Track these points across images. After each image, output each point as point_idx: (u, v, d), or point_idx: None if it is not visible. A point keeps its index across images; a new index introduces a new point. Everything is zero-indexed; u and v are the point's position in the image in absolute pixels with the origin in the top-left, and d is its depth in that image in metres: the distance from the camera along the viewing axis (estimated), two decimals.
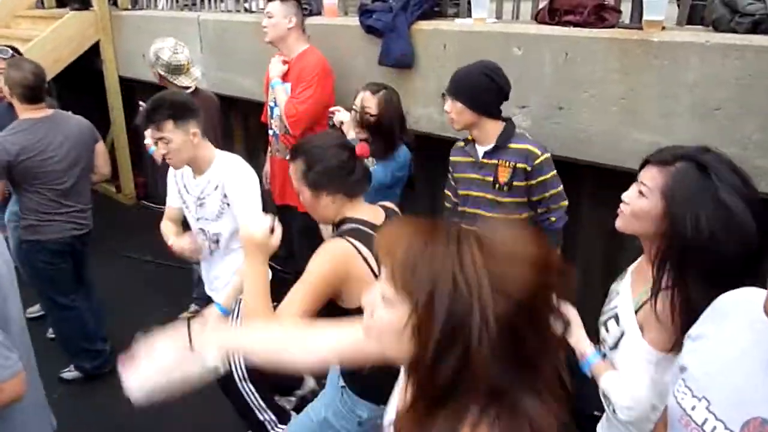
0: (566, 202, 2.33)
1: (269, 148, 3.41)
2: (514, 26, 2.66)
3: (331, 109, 2.77)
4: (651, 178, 1.35)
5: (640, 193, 1.37)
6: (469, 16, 2.86)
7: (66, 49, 4.90)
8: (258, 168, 2.82)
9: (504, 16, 2.92)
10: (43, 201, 2.89)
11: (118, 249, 4.71)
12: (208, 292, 2.54)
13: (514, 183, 2.23)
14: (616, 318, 1.43)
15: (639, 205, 1.36)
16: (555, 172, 2.26)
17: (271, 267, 3.66)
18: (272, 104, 3.18)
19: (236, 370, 2.40)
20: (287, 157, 3.09)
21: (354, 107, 2.56)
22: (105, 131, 5.64)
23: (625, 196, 1.43)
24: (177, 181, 2.48)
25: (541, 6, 2.62)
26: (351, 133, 2.55)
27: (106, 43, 5.15)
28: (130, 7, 5.20)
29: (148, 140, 3.26)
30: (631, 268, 1.52)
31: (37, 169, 2.83)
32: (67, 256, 3.07)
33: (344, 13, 3.49)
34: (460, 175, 2.39)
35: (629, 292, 1.44)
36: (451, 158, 2.43)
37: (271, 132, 3.26)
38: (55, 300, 3.07)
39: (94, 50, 5.18)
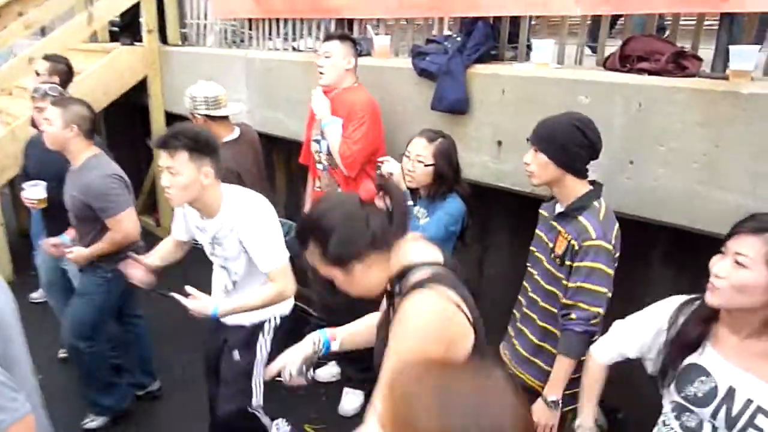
0: (600, 311, 1.88)
1: (312, 184, 3.28)
2: (580, 72, 2.48)
3: (380, 159, 2.61)
4: (749, 247, 1.27)
5: (738, 264, 1.27)
6: (528, 60, 2.70)
7: (115, 83, 4.93)
8: (300, 209, 2.69)
9: (566, 62, 2.75)
10: None
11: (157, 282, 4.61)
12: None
13: (566, 261, 1.92)
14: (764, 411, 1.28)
15: (741, 278, 1.27)
16: (606, 268, 1.85)
17: (306, 312, 3.49)
18: (318, 137, 3.08)
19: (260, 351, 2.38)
20: (328, 190, 3.04)
21: (406, 155, 2.40)
22: (148, 164, 5.66)
23: (717, 269, 1.32)
24: (187, 219, 2.34)
25: (609, 52, 2.44)
26: (402, 185, 2.38)
27: (153, 78, 5.17)
28: (180, 43, 5.23)
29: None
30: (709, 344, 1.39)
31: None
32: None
33: (395, 54, 3.37)
34: (537, 230, 2.15)
35: (751, 377, 1.30)
36: (540, 210, 2.19)
37: (320, 166, 3.13)
38: (90, 336, 2.95)
39: (142, 85, 5.21)
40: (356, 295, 1.40)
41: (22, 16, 4.52)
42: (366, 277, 1.36)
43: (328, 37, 3.00)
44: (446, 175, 2.36)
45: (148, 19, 5.04)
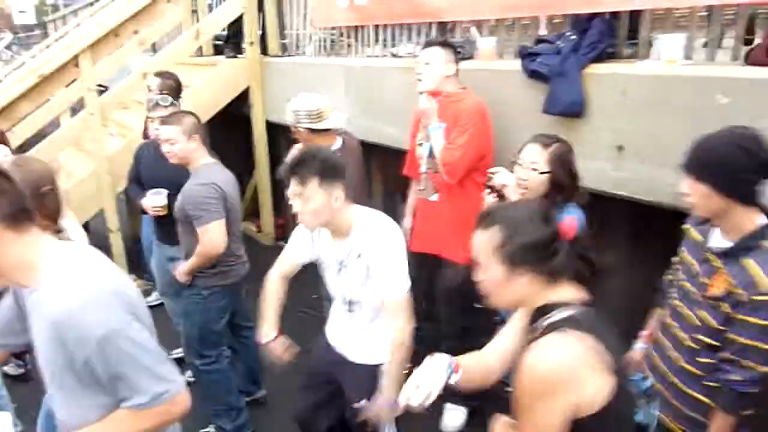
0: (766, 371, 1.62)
1: (414, 189, 3.21)
2: (716, 69, 2.23)
3: (491, 169, 2.47)
4: None
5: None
6: (650, 57, 2.48)
7: (220, 94, 5.10)
8: (397, 217, 2.61)
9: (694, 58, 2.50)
10: (231, 243, 2.87)
11: (253, 291, 4.71)
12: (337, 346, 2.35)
13: (726, 308, 1.63)
14: None
15: None
16: None
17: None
18: (422, 141, 3.00)
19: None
20: (431, 198, 2.95)
21: (518, 162, 2.26)
22: (249, 172, 5.82)
23: None
24: (315, 241, 2.29)
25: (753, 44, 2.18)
26: (514, 197, 2.24)
27: (255, 89, 5.30)
28: (279, 53, 5.33)
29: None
30: None
31: (234, 211, 2.88)
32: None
33: (500, 56, 3.23)
34: (684, 254, 1.87)
35: None
36: (687, 227, 1.90)
37: (422, 169, 3.04)
38: (204, 354, 3.01)
39: (244, 95, 5.36)
40: (495, 301, 1.38)
41: (137, 34, 4.76)
42: (518, 290, 1.33)
43: (428, 44, 2.91)
44: (563, 184, 2.19)
45: (249, 31, 5.19)
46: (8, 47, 11.47)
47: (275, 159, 5.77)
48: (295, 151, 3.47)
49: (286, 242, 5.90)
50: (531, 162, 2.23)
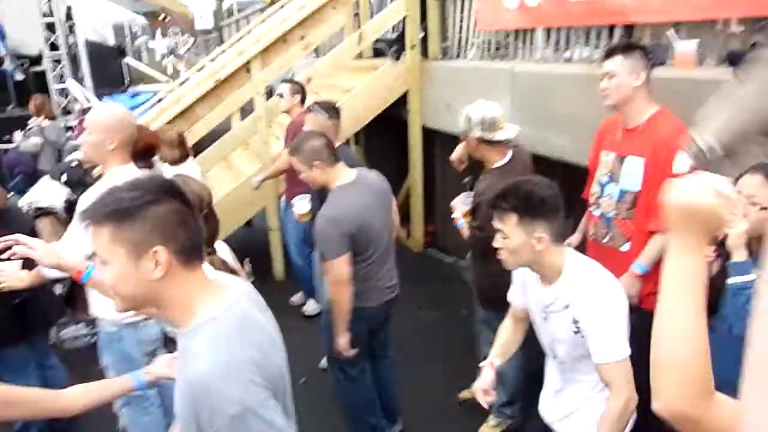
0: None
1: (582, 226, 2.88)
2: None
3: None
4: None
5: None
6: None
7: (378, 98, 5.09)
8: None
9: None
10: (364, 267, 2.77)
11: (404, 299, 4.65)
12: (553, 423, 2.09)
13: None
14: None
15: None
16: None
17: None
18: (605, 179, 2.61)
19: None
20: (622, 248, 2.49)
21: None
22: (402, 177, 5.77)
23: None
24: (526, 283, 2.04)
25: None
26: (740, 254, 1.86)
27: (413, 94, 5.23)
28: (440, 57, 5.20)
29: (457, 213, 3.03)
30: None
31: (369, 234, 2.73)
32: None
33: (700, 62, 2.79)
34: None
35: None
36: None
37: (598, 212, 2.66)
38: (346, 370, 2.97)
39: (401, 99, 5.30)
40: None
41: (303, 39, 4.89)
42: None
43: (610, 53, 2.51)
44: None
45: (410, 34, 5.11)
46: (190, 50, 12.58)
47: (429, 165, 5.67)
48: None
49: (435, 250, 5.86)
50: (749, 195, 1.85)
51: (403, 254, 5.57)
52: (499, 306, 2.34)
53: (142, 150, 3.60)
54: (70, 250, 2.26)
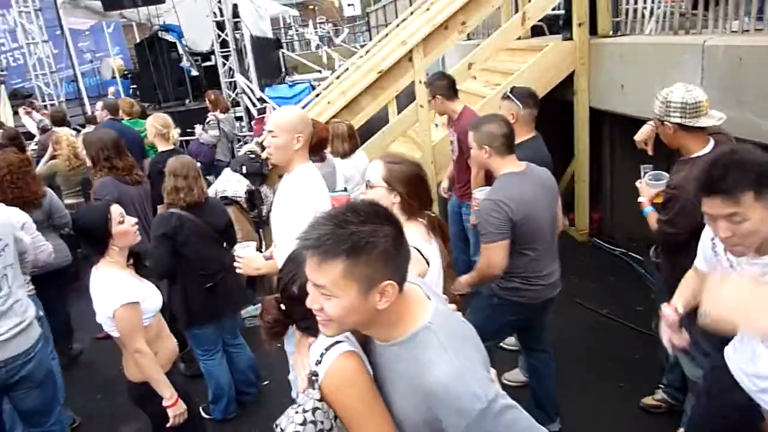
0: None
1: None
2: None
3: None
4: None
5: None
6: None
7: (543, 80, 4.86)
8: None
9: None
10: (527, 262, 2.69)
11: (568, 291, 4.44)
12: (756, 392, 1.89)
13: None
14: None
15: None
16: None
17: None
18: None
19: None
20: None
21: None
22: (565, 162, 5.50)
23: None
24: (716, 242, 1.87)
25: None
26: None
27: (580, 74, 4.93)
28: (611, 33, 4.84)
29: (644, 197, 2.81)
30: None
31: (532, 227, 2.64)
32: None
33: None
34: None
35: None
36: None
37: None
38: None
39: (567, 80, 5.03)
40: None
41: (464, 24, 4.79)
42: None
43: None
44: None
45: (577, 10, 4.80)
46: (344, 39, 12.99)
47: (596, 148, 5.34)
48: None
49: (600, 239, 5.52)
50: None
51: (565, 244, 5.31)
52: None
53: (316, 144, 3.77)
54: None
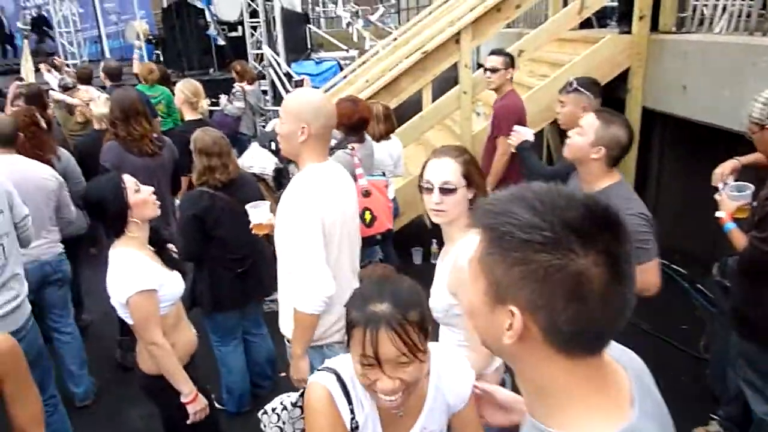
0: None
1: None
2: None
3: None
4: None
5: None
6: None
7: (595, 74, 4.49)
8: None
9: None
10: None
11: None
12: None
13: None
14: None
15: None
16: None
17: None
18: None
19: None
20: None
21: None
22: None
23: None
24: None
25: None
26: None
27: (636, 71, 4.62)
28: (674, 29, 4.51)
29: (723, 212, 2.53)
30: None
31: None
32: None
33: None
34: None
35: None
36: None
37: None
38: None
39: (619, 77, 4.72)
40: None
41: (518, 8, 4.49)
42: None
43: None
44: None
45: (641, 2, 4.48)
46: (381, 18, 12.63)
47: (645, 153, 5.03)
48: None
49: None
50: None
51: None
52: None
53: (357, 123, 3.52)
54: None
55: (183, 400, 2.20)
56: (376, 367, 1.25)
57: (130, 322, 2.14)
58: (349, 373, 1.38)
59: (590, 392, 0.84)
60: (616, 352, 0.92)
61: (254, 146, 4.51)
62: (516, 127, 3.37)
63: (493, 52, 4.08)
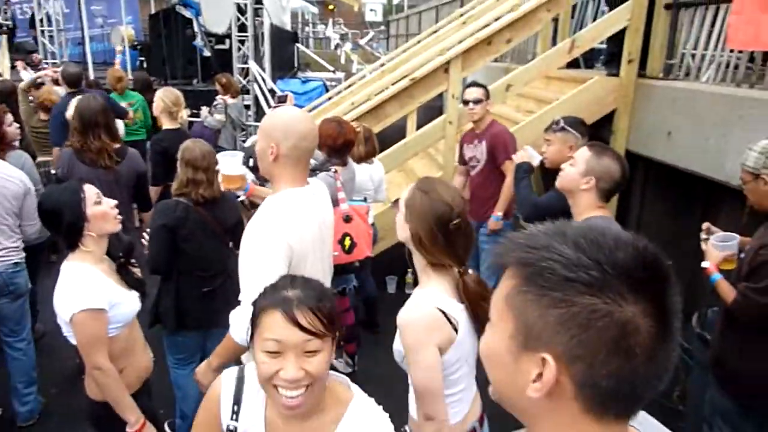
0: None
1: None
2: None
3: None
4: None
5: None
6: None
7: (582, 114, 4.46)
8: None
9: None
10: None
11: None
12: None
13: None
14: None
15: None
16: None
17: None
18: None
19: None
20: None
21: None
22: None
23: None
24: None
25: None
26: None
27: (622, 113, 4.62)
28: (662, 75, 4.53)
29: (709, 262, 2.47)
30: None
31: None
32: None
33: None
34: None
35: None
36: None
37: None
38: None
39: (604, 119, 4.72)
40: None
41: (509, 42, 4.48)
42: None
43: None
44: None
45: (629, 46, 4.51)
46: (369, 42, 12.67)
47: (625, 196, 5.02)
48: None
49: None
50: None
51: None
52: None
53: (341, 146, 3.42)
54: None
55: (128, 430, 2.03)
56: (280, 355, 1.21)
57: (73, 342, 1.98)
58: (252, 376, 1.34)
59: None
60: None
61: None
62: (527, 147, 3.35)
63: (471, 85, 4.13)
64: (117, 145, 3.50)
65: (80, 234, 1.99)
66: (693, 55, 4.30)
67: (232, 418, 1.34)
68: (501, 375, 0.78)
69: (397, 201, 1.85)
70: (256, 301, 1.28)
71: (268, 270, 1.76)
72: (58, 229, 2.02)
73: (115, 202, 2.12)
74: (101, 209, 2.02)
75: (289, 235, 1.85)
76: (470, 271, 1.74)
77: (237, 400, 1.34)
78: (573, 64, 6.19)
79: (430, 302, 1.68)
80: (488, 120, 4.09)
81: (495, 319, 0.78)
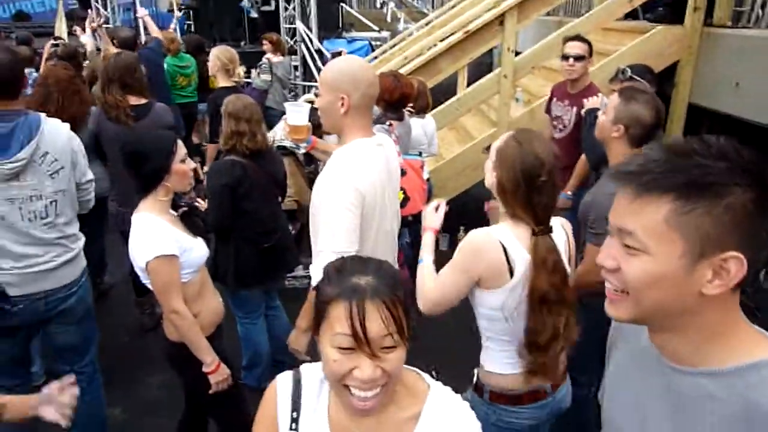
0: None
1: None
2: None
3: None
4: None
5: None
6: None
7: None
8: None
9: None
10: None
11: None
12: None
13: None
14: None
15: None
16: None
17: None
18: None
19: None
20: None
21: None
22: None
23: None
24: None
25: None
26: None
27: (685, 64, 4.43)
28: (729, 23, 4.31)
29: None
30: None
31: None
32: None
33: None
34: None
35: None
36: None
37: None
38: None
39: (666, 70, 4.53)
40: None
41: None
42: None
43: None
44: None
45: None
46: None
47: None
48: None
49: None
50: None
51: None
52: None
53: (398, 100, 3.40)
54: None
55: (205, 369, 2.14)
56: (355, 352, 1.05)
57: (151, 288, 2.08)
58: (312, 378, 1.23)
59: (743, 320, 0.90)
60: None
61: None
62: (600, 94, 3.15)
63: (573, 38, 3.62)
64: (140, 101, 3.47)
65: (159, 182, 2.07)
66: (764, 2, 4.07)
67: (291, 428, 1.22)
68: (670, 292, 0.86)
69: (488, 147, 1.83)
70: (320, 286, 1.12)
71: (342, 219, 1.79)
72: (140, 170, 2.08)
73: (195, 165, 2.20)
74: (183, 168, 2.10)
75: (360, 183, 1.83)
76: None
77: (296, 406, 1.22)
78: (631, 15, 5.95)
79: (495, 234, 1.70)
80: (586, 82, 3.60)
81: (653, 246, 0.84)
